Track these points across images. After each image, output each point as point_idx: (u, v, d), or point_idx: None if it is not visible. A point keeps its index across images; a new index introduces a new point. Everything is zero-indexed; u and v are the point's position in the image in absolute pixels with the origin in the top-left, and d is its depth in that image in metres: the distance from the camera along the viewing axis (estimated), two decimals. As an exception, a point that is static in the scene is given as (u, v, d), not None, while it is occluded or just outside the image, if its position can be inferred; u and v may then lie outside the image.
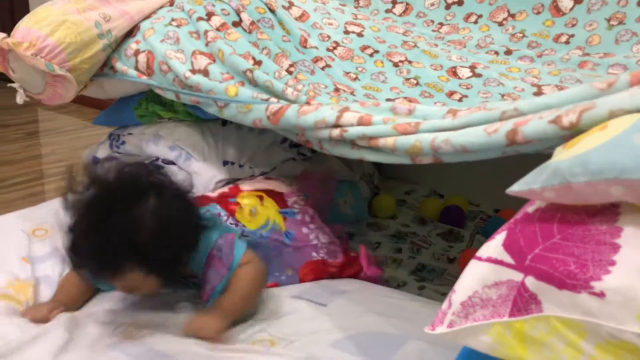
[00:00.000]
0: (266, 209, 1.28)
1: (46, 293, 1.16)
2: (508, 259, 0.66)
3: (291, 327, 1.08)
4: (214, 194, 1.32)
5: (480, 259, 0.69)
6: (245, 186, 1.34)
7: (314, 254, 1.29)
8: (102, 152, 1.66)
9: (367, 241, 1.70)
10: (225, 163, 1.49)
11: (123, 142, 1.61)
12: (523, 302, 0.64)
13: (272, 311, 1.13)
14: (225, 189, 1.34)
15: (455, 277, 0.72)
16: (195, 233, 1.08)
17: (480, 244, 0.71)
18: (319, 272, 1.28)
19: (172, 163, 1.52)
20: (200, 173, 1.47)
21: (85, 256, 1.00)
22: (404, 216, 1.87)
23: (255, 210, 1.25)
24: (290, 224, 1.29)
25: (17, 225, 1.35)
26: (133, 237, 0.98)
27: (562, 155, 0.67)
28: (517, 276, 0.65)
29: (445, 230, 1.78)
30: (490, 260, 0.67)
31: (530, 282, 0.63)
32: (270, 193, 1.33)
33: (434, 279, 1.55)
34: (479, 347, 0.66)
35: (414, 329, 1.03)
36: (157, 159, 1.56)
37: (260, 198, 1.30)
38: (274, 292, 1.19)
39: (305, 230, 1.31)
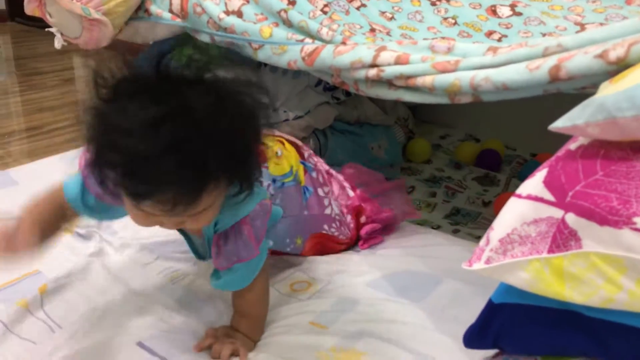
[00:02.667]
0: (289, 155, 1.14)
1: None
2: (548, 196, 0.65)
3: (327, 268, 1.10)
4: None
5: (520, 196, 0.68)
6: None
7: (325, 226, 1.16)
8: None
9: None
10: (259, 107, 1.49)
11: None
12: (562, 239, 0.63)
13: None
14: None
15: (490, 221, 0.72)
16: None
17: (517, 187, 0.70)
18: (326, 248, 1.16)
19: (207, 107, 1.53)
20: (235, 117, 1.47)
21: (160, 175, 0.67)
22: (438, 160, 1.85)
23: (281, 153, 1.12)
24: (308, 180, 1.16)
25: (60, 167, 1.39)
26: (217, 127, 0.69)
27: (608, 90, 0.65)
28: (557, 213, 0.64)
29: (481, 175, 1.77)
30: (530, 197, 0.67)
31: (571, 218, 0.63)
32: (289, 141, 1.20)
33: (468, 222, 1.55)
34: (516, 283, 0.66)
35: (449, 269, 1.04)
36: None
37: (282, 143, 1.16)
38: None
39: (321, 192, 1.18)
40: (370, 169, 1.66)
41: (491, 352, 0.78)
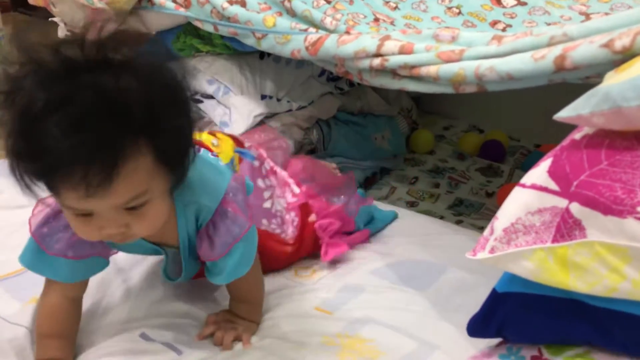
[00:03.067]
0: (223, 143, 1.02)
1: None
2: (553, 185, 0.65)
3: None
4: None
5: (524, 186, 0.68)
6: None
7: (265, 221, 1.05)
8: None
9: (403, 176, 1.70)
10: (263, 97, 1.49)
11: (162, 77, 1.61)
12: (567, 228, 0.64)
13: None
14: None
15: (493, 212, 0.72)
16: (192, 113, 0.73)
17: (520, 179, 0.70)
18: (266, 248, 0.98)
19: (211, 97, 1.53)
20: (239, 107, 1.47)
21: (64, 133, 0.60)
22: (442, 151, 1.85)
23: (217, 142, 1.00)
24: (247, 168, 1.05)
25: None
26: (139, 91, 0.63)
27: (614, 80, 0.65)
28: (562, 202, 0.64)
29: (485, 165, 1.77)
30: (534, 187, 0.67)
31: (575, 208, 0.63)
32: (222, 134, 1.08)
33: (471, 213, 1.55)
34: (520, 273, 0.66)
35: (453, 258, 1.04)
36: (196, 93, 1.56)
37: (213, 134, 1.03)
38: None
39: (260, 184, 1.07)
40: (373, 159, 1.67)
41: (495, 340, 0.78)
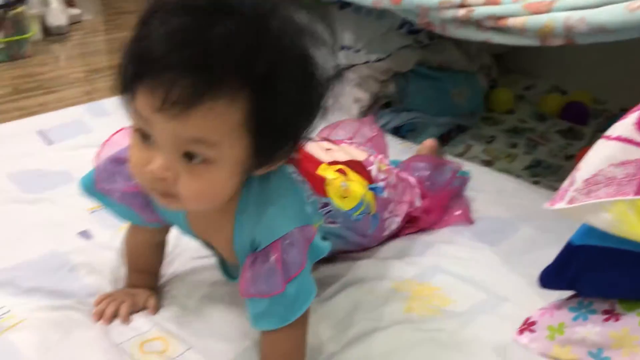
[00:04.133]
0: (355, 184, 0.91)
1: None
2: (639, 138, 0.64)
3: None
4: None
5: (609, 137, 0.67)
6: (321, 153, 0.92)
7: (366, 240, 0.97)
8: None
9: (480, 134, 1.68)
10: (342, 48, 1.50)
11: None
12: (651, 182, 0.62)
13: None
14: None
15: (571, 175, 0.70)
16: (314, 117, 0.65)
17: (602, 142, 0.68)
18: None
19: (290, 47, 1.55)
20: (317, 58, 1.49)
21: (172, 39, 0.57)
22: (521, 111, 1.81)
23: (346, 185, 0.88)
24: (378, 204, 0.95)
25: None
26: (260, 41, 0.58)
27: None
28: (648, 156, 0.62)
29: (565, 128, 1.71)
30: (619, 139, 0.65)
31: (662, 162, 0.61)
32: (352, 164, 0.95)
33: (548, 175, 1.52)
34: (598, 224, 0.65)
35: (528, 216, 1.04)
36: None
37: (343, 172, 0.91)
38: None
39: (385, 215, 0.98)
40: (450, 116, 1.65)
41: (565, 294, 0.78)
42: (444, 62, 1.64)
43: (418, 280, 0.90)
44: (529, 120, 1.76)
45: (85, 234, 0.98)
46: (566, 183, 0.69)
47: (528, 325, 0.78)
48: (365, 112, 1.46)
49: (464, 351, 0.78)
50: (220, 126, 0.58)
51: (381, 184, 0.97)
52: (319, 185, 0.83)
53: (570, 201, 0.67)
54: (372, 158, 1.00)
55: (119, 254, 0.91)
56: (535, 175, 1.52)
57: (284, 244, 0.67)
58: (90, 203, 0.98)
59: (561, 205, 0.67)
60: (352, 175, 0.92)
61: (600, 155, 0.66)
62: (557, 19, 0.87)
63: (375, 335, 0.79)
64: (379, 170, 0.98)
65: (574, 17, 0.85)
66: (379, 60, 1.52)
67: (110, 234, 0.96)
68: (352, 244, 0.94)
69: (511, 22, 0.94)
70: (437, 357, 0.77)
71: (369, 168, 0.97)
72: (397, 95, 1.53)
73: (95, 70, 2.33)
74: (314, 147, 0.91)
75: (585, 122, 1.73)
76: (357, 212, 0.89)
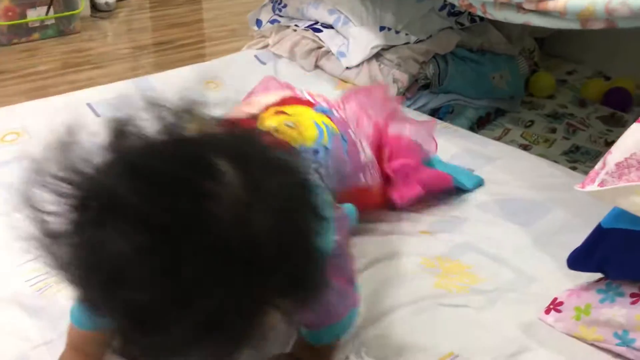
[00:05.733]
0: (301, 115, 0.83)
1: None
2: (674, 123, 0.64)
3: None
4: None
5: (643, 122, 0.67)
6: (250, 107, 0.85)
7: (361, 175, 0.91)
8: (265, 16, 1.74)
9: (518, 119, 1.67)
10: (381, 29, 1.51)
11: (285, 5, 1.67)
12: (684, 167, 0.63)
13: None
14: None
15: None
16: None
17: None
18: (360, 204, 0.79)
19: (330, 27, 1.57)
20: (357, 38, 1.50)
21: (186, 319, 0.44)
22: (562, 96, 1.79)
23: (292, 123, 0.79)
24: (337, 123, 0.88)
25: (191, 77, 1.50)
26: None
27: None
28: (682, 141, 0.63)
29: (607, 114, 1.69)
30: (654, 123, 0.66)
31: (696, 147, 0.62)
32: (285, 101, 0.87)
33: (586, 161, 1.51)
34: (628, 207, 0.66)
35: (561, 199, 1.04)
36: (316, 22, 1.61)
37: (279, 112, 0.83)
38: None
39: (351, 133, 0.90)
40: (489, 99, 1.64)
41: (594, 277, 0.79)
42: (485, 44, 1.63)
43: (451, 257, 0.92)
44: (569, 106, 1.75)
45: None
46: (598, 166, 0.69)
47: (555, 305, 0.79)
48: (403, 93, 1.48)
49: (490, 328, 0.80)
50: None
51: (324, 104, 0.91)
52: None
53: (601, 184, 0.67)
54: (299, 92, 0.93)
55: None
56: (573, 160, 1.51)
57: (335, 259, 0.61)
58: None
59: (592, 187, 0.68)
60: (291, 109, 0.83)
61: (634, 139, 0.67)
62: (598, 2, 0.87)
63: (402, 310, 0.81)
64: (312, 95, 0.91)
65: (615, 0, 0.85)
66: (419, 41, 1.52)
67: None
68: (343, 177, 0.83)
69: (551, 4, 0.93)
70: (463, 334, 0.78)
71: (301, 96, 0.91)
72: (436, 77, 1.54)
73: (141, 47, 2.39)
74: (239, 113, 0.81)
75: (627, 109, 1.70)
76: (325, 138, 0.80)
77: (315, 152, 0.79)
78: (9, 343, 0.75)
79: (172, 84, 1.45)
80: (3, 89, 1.86)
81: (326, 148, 0.80)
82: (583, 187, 0.69)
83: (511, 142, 1.56)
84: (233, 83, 1.46)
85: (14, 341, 0.75)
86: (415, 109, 1.46)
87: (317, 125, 0.81)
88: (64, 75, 2.02)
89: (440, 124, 1.37)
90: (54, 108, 1.32)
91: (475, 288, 0.86)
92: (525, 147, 1.54)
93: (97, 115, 1.31)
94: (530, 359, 0.74)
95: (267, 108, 0.82)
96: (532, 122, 1.67)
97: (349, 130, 0.90)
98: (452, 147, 1.24)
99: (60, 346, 0.72)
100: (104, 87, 1.47)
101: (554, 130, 1.64)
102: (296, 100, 0.88)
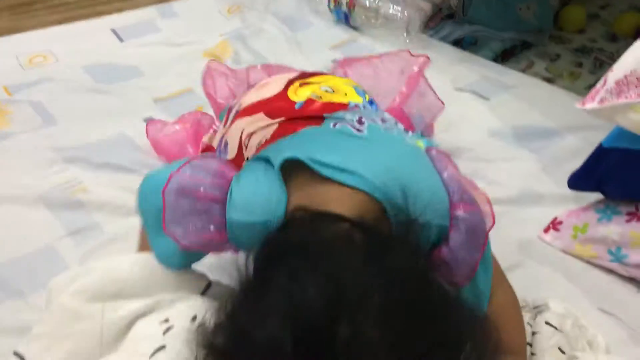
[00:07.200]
0: (331, 80, 0.78)
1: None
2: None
3: (451, 116, 1.13)
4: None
5: (647, 39, 0.66)
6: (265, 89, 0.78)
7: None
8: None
9: (545, 52, 1.64)
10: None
11: None
12: (684, 84, 0.62)
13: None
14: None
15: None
16: None
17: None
18: None
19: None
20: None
21: None
22: (593, 31, 1.73)
23: (329, 87, 0.75)
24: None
25: (214, 6, 1.51)
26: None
27: None
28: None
29: (638, 49, 1.64)
30: (658, 40, 0.65)
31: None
32: (306, 75, 0.81)
33: (612, 95, 1.48)
34: (626, 125, 0.66)
35: (573, 126, 1.04)
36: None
37: (306, 84, 0.76)
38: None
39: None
40: (515, 31, 1.61)
41: (595, 197, 0.80)
42: (512, -26, 1.59)
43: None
44: (599, 40, 1.70)
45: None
46: (599, 84, 0.69)
47: (554, 225, 0.81)
48: (426, 23, 1.46)
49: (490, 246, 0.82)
50: None
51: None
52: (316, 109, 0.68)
53: (601, 101, 0.68)
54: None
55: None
56: (598, 95, 1.49)
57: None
58: (156, 93, 1.07)
59: (592, 105, 0.69)
60: (316, 79, 0.78)
61: (634, 56, 0.66)
62: None
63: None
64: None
65: None
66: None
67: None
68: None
69: None
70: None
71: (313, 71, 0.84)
72: (460, 7, 1.51)
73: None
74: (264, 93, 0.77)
75: (660, 43, 1.65)
76: (367, 96, 0.75)
77: (371, 102, 0.74)
78: (34, 235, 0.82)
79: (195, 10, 1.48)
80: (34, 18, 1.89)
81: (373, 103, 0.75)
82: (584, 105, 0.70)
83: (535, 75, 1.53)
84: (257, 7, 1.50)
85: (38, 234, 0.82)
86: (438, 39, 1.45)
87: (354, 86, 0.76)
88: (94, 6, 2.04)
89: (461, 52, 1.36)
90: (79, 32, 1.35)
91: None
92: (548, 80, 1.51)
93: (121, 40, 1.34)
94: (525, 275, 0.77)
95: (290, 83, 0.76)
96: (559, 55, 1.63)
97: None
98: (471, 74, 1.24)
99: (84, 238, 0.81)
100: (127, 13, 1.49)
101: (580, 65, 1.60)
102: (314, 74, 0.81)
